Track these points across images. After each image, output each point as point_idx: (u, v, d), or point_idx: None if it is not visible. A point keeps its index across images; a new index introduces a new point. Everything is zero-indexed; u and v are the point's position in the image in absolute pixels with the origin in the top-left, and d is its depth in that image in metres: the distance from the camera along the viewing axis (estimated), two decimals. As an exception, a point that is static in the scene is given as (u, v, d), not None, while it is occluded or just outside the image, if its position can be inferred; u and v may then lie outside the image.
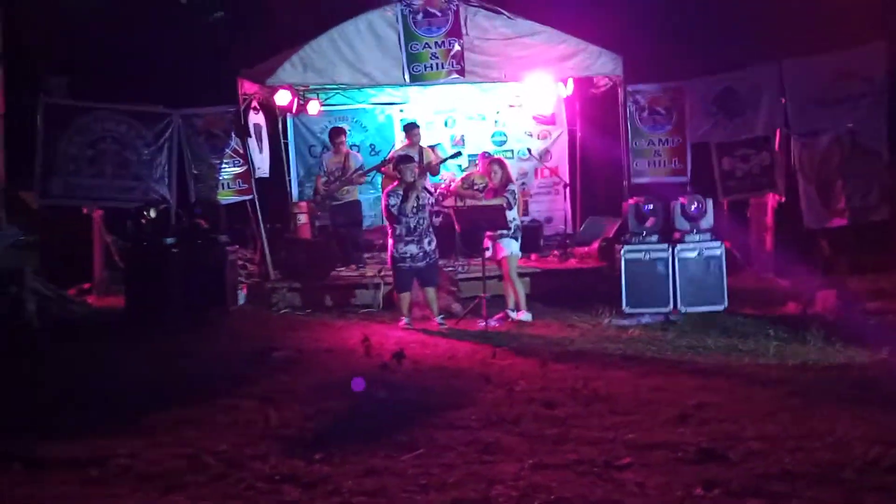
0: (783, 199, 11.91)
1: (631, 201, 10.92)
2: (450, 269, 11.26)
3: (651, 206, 10.39)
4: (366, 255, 12.27)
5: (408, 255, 9.60)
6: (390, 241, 9.77)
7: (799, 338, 8.62)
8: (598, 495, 4.75)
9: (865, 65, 11.59)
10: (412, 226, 9.57)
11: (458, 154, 12.24)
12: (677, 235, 10.33)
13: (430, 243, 9.65)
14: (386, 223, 10.03)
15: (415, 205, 9.55)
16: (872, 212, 11.39)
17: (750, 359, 8.06)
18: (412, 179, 9.61)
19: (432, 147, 12.61)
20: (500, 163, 10.27)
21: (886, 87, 11.48)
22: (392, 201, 9.56)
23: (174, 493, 4.98)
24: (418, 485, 4.98)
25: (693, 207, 10.28)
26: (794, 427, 5.84)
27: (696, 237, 10.24)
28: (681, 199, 10.46)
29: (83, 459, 5.49)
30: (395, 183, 9.84)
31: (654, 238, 10.32)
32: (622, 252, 10.28)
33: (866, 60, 11.61)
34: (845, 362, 7.84)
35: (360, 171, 11.88)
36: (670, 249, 10.19)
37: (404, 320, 9.76)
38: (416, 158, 11.28)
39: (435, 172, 12.11)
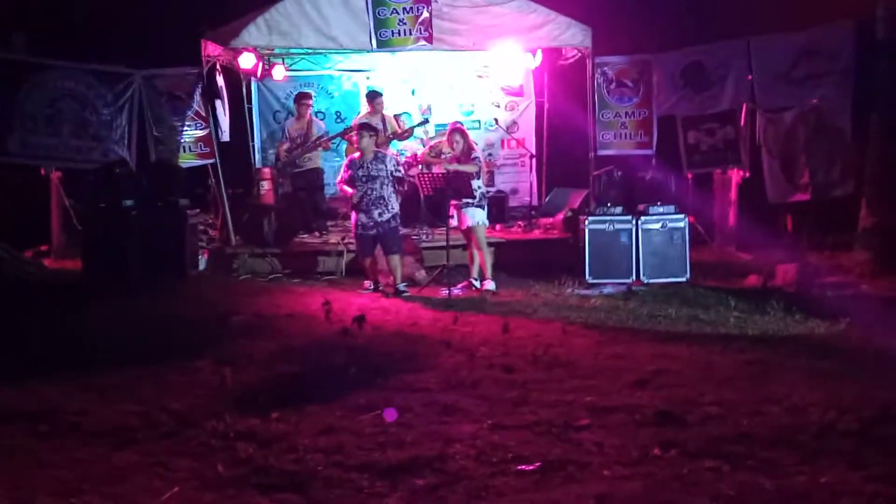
0: (747, 174, 11.97)
1: (597, 173, 10.93)
2: (414, 237, 11.20)
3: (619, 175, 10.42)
4: (329, 223, 12.16)
5: (359, 223, 9.65)
6: (352, 209, 9.78)
7: (759, 309, 8.70)
8: (555, 454, 4.74)
9: (832, 42, 11.64)
10: (360, 194, 9.57)
11: (426, 121, 12.12)
12: (641, 207, 10.35)
13: (380, 214, 9.57)
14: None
15: (364, 174, 9.49)
16: (835, 187, 11.48)
17: (710, 328, 8.12)
18: (362, 145, 9.60)
19: (398, 116, 12.49)
20: (462, 132, 10.20)
21: (852, 65, 11.53)
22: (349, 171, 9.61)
23: (124, 448, 4.90)
24: (376, 443, 4.95)
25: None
26: (752, 393, 5.88)
27: (661, 209, 10.26)
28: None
29: (33, 414, 5.40)
30: (360, 154, 9.73)
31: (619, 210, 10.34)
32: (586, 223, 10.29)
33: (833, 38, 11.65)
34: (804, 333, 7.93)
35: (326, 138, 11.76)
36: (634, 221, 10.21)
37: (366, 284, 9.72)
38: (380, 127, 11.19)
39: (403, 138, 12.00)
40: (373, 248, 9.73)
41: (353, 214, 9.73)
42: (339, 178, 10.03)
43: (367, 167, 9.56)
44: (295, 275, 10.80)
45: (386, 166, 9.62)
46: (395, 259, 9.75)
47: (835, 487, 4.25)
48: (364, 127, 10.00)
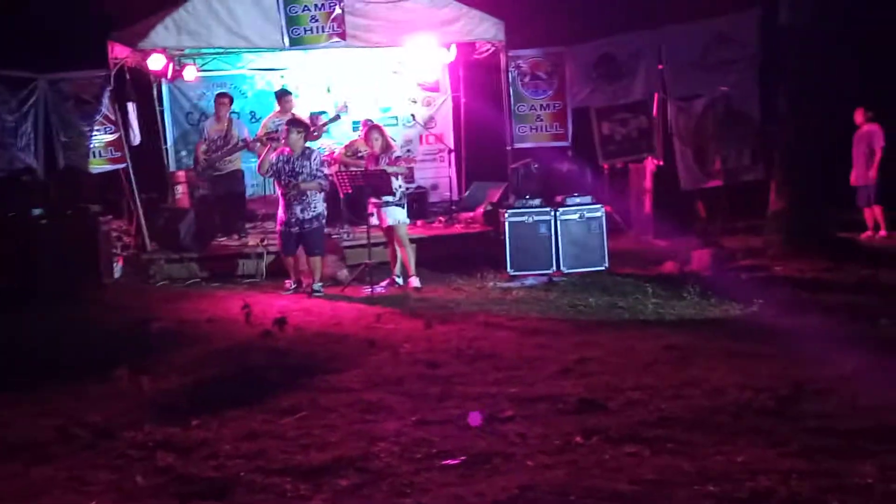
0: (661, 163, 12.20)
1: (514, 166, 11.00)
2: (335, 236, 11.12)
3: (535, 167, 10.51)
4: (248, 226, 11.99)
5: (283, 219, 9.57)
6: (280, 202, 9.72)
7: (676, 295, 8.88)
8: (480, 447, 4.75)
9: (740, 31, 11.95)
10: (282, 189, 9.56)
11: (338, 117, 12.03)
12: (559, 199, 10.45)
13: (302, 211, 9.50)
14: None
15: (290, 169, 9.43)
16: (746, 172, 11.79)
17: (630, 315, 8.26)
18: (290, 141, 9.53)
19: (315, 115, 12.37)
20: (379, 129, 10.17)
21: (758, 53, 11.83)
22: (268, 159, 9.58)
23: (40, 464, 4.75)
24: (299, 445, 4.90)
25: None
26: (672, 377, 6.00)
27: (578, 200, 10.38)
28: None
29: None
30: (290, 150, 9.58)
31: (537, 202, 10.42)
32: (506, 216, 10.35)
33: (741, 26, 11.96)
34: (720, 316, 8.13)
35: (251, 140, 11.47)
36: (553, 213, 10.30)
37: (287, 283, 9.68)
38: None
39: (314, 137, 11.87)
40: (295, 247, 9.65)
41: (280, 211, 9.65)
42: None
43: (293, 163, 9.47)
44: (214, 279, 10.62)
45: (310, 164, 9.54)
46: (317, 261, 9.68)
47: (752, 465, 4.35)
48: (293, 123, 9.87)
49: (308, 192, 9.50)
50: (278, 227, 9.75)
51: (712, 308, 8.38)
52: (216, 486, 4.38)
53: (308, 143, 9.85)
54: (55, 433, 5.24)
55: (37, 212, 9.81)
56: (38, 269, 9.59)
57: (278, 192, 9.73)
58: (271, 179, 10.17)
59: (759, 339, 7.05)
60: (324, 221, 9.79)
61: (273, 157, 9.56)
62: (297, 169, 9.46)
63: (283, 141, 9.70)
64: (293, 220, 9.51)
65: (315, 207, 9.59)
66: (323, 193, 9.71)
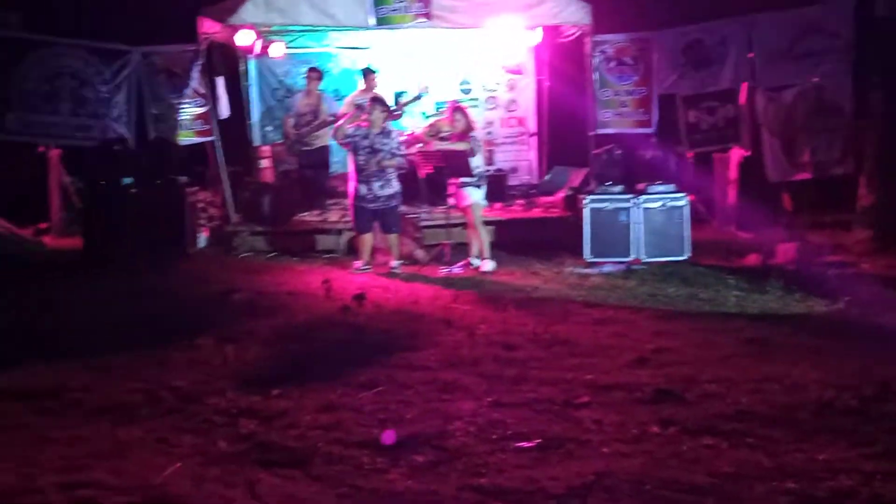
0: (748, 153, 11.95)
1: (597, 151, 10.91)
2: (413, 215, 11.18)
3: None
4: (329, 202, 12.14)
5: (359, 193, 9.61)
6: (351, 177, 9.75)
7: (759, 288, 8.71)
8: (555, 431, 4.77)
9: (833, 20, 11.63)
10: (360, 164, 9.55)
11: (420, 97, 12.06)
12: (641, 186, 10.33)
13: (381, 188, 9.56)
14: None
15: (368, 145, 9.49)
16: (835, 165, 11.49)
17: (710, 307, 8.15)
18: (373, 117, 9.58)
19: (399, 94, 12.43)
20: (462, 111, 10.17)
21: (852, 43, 11.50)
22: (344, 128, 9.65)
23: (127, 425, 4.93)
24: (376, 420, 4.98)
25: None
26: (751, 371, 5.91)
27: (661, 188, 10.25)
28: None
29: (36, 391, 5.43)
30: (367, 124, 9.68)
31: (619, 189, 10.32)
32: (586, 202, 10.27)
33: (834, 16, 11.64)
34: (804, 311, 7.97)
35: (336, 116, 11.61)
36: (634, 200, 10.18)
37: (357, 263, 9.72)
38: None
39: (395, 117, 11.94)
40: (370, 223, 9.72)
41: (352, 185, 9.69)
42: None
43: (373, 139, 9.55)
44: (295, 253, 10.79)
45: (391, 141, 9.62)
46: (394, 238, 9.76)
47: (833, 464, 4.29)
48: (377, 100, 9.95)
49: (387, 169, 9.58)
50: (351, 202, 9.80)
51: (796, 303, 8.22)
52: (296, 455, 4.50)
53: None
54: (141, 396, 5.42)
55: (127, 181, 10.07)
56: (125, 238, 9.87)
57: (349, 166, 9.79)
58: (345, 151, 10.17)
59: (843, 337, 6.91)
60: (401, 199, 9.86)
61: (350, 128, 9.64)
62: (376, 145, 9.53)
63: (364, 115, 9.77)
64: (370, 195, 9.57)
65: (393, 185, 9.67)
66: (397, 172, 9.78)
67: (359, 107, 10.39)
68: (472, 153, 9.70)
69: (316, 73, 12.00)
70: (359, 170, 9.59)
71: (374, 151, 9.53)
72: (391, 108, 11.59)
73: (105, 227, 9.96)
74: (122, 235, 9.87)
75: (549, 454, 4.51)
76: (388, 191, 9.61)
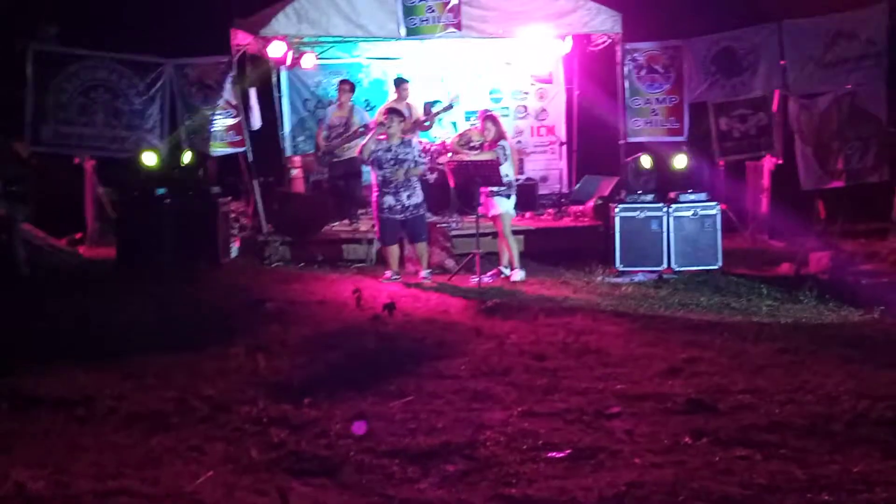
0: (780, 161, 11.85)
1: (628, 160, 10.87)
2: (444, 224, 11.20)
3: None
4: (360, 211, 12.19)
5: (385, 205, 9.64)
6: (374, 190, 9.80)
7: (792, 297, 8.65)
8: (586, 442, 4.75)
9: (866, 26, 11.52)
10: (387, 176, 9.59)
11: (451, 107, 12.10)
12: (673, 195, 10.28)
13: (409, 197, 9.62)
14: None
15: (392, 157, 9.54)
16: (869, 173, 11.36)
17: (742, 316, 8.07)
18: (391, 129, 9.64)
19: (431, 104, 12.49)
20: (494, 119, 10.19)
21: (886, 50, 11.39)
22: (369, 145, 9.66)
23: (160, 433, 4.97)
24: (407, 429, 4.99)
25: None
26: (785, 381, 5.86)
27: (692, 197, 10.19)
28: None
29: (70, 399, 5.49)
30: (386, 137, 9.76)
31: (650, 197, 10.27)
32: (617, 211, 10.23)
33: (867, 22, 11.53)
34: (838, 321, 7.88)
35: (369, 128, 11.68)
36: (665, 209, 10.13)
37: (388, 273, 9.74)
38: (407, 114, 11.18)
39: (425, 128, 11.98)
40: (397, 234, 9.77)
41: (376, 197, 9.73)
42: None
43: (395, 151, 9.61)
44: (325, 262, 10.85)
45: (413, 150, 9.68)
46: (422, 246, 9.81)
47: (868, 476, 4.23)
48: (393, 112, 10.03)
49: (412, 179, 9.63)
50: (376, 214, 9.83)
51: (830, 313, 8.13)
52: (327, 464, 4.52)
53: (421, 133, 9.96)
54: (174, 405, 5.47)
55: (160, 192, 10.21)
56: (160, 247, 10.00)
57: (372, 180, 9.83)
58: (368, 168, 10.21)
59: (878, 347, 6.83)
60: (426, 209, 9.96)
61: (373, 144, 9.69)
62: (400, 156, 9.60)
63: (382, 130, 9.82)
64: (399, 206, 9.62)
65: (419, 194, 9.75)
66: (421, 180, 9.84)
67: (381, 124, 10.47)
68: (499, 162, 9.70)
69: (348, 86, 12.06)
70: (385, 182, 9.62)
71: (399, 162, 9.59)
72: (422, 119, 11.67)
73: (139, 237, 10.10)
74: (155, 245, 10.01)
75: (580, 464, 4.49)
76: (415, 200, 9.67)
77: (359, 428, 4.91)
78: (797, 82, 11.72)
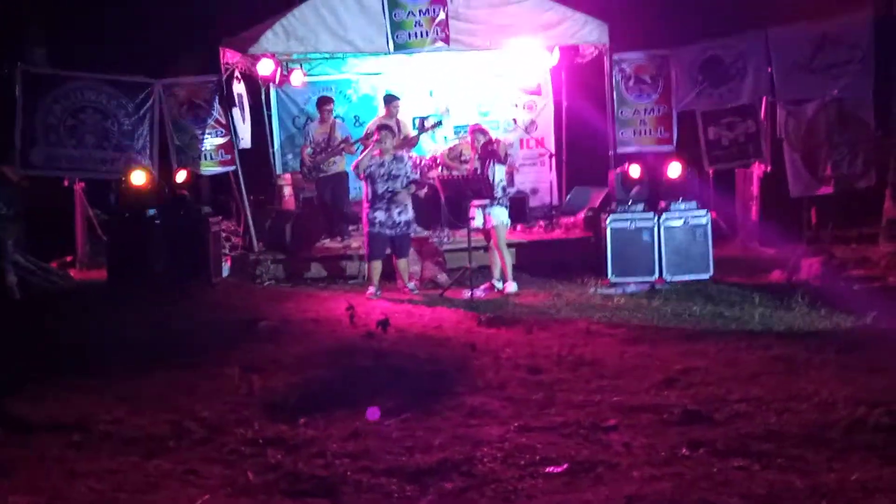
0: (769, 169, 11.88)
1: (617, 170, 10.89)
2: (435, 239, 11.21)
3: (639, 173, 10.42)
4: (351, 228, 12.18)
5: (376, 220, 9.70)
6: (365, 205, 9.83)
7: (784, 305, 8.65)
8: (583, 455, 4.75)
9: (852, 32, 11.52)
10: (379, 192, 9.66)
11: (439, 124, 12.12)
12: (663, 205, 10.30)
13: (399, 214, 9.70)
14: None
15: (385, 173, 9.61)
16: (858, 179, 11.36)
17: (736, 325, 8.08)
18: (384, 145, 9.72)
19: (423, 119, 12.50)
20: (483, 132, 10.23)
21: (872, 55, 11.43)
22: (364, 161, 9.72)
23: (156, 457, 4.95)
24: (403, 447, 4.97)
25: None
26: (780, 389, 5.86)
27: (682, 206, 10.21)
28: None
29: (66, 424, 5.46)
30: (380, 153, 9.79)
31: (640, 207, 10.29)
32: (607, 221, 10.25)
33: (853, 27, 11.53)
34: (831, 328, 7.89)
35: (349, 142, 11.73)
36: (656, 218, 10.16)
37: (370, 289, 9.75)
38: (395, 130, 11.21)
39: (412, 144, 11.99)
40: (384, 250, 9.82)
41: (366, 213, 9.77)
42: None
43: (388, 166, 9.67)
44: (318, 280, 10.85)
45: (405, 166, 9.73)
46: (403, 262, 9.93)
47: (867, 484, 4.23)
48: (385, 128, 10.07)
49: (403, 195, 9.68)
50: (366, 230, 9.87)
51: (822, 319, 8.14)
52: (324, 484, 4.50)
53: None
54: (170, 428, 5.44)
55: (151, 212, 10.20)
56: (151, 267, 9.98)
57: (363, 194, 9.86)
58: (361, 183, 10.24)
59: (872, 353, 6.81)
60: (415, 225, 10.11)
61: (366, 160, 9.73)
62: (393, 172, 9.66)
63: (375, 146, 9.85)
64: (389, 222, 9.67)
65: (410, 211, 9.86)
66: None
67: (377, 141, 10.51)
68: (488, 175, 9.71)
69: (327, 104, 12.02)
70: (379, 197, 9.68)
71: (391, 178, 9.67)
72: (413, 135, 11.70)
73: (130, 258, 10.09)
74: (146, 266, 10.00)
75: (578, 478, 4.48)
76: (405, 217, 9.75)
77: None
78: (784, 89, 11.74)
